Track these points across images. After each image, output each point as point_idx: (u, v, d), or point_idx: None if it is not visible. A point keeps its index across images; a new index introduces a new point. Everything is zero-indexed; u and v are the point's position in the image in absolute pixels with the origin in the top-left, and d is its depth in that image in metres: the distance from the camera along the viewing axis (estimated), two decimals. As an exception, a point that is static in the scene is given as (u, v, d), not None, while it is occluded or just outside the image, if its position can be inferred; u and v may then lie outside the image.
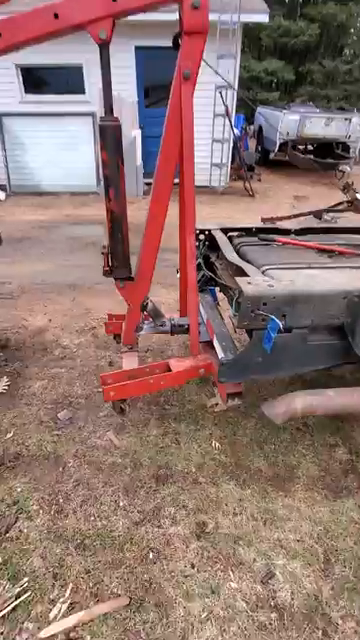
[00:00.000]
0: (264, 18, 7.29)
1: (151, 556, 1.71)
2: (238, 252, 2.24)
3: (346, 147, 10.85)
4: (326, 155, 10.97)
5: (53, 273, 4.81)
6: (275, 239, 2.26)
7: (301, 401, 1.69)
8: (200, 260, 2.50)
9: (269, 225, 2.67)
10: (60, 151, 8.52)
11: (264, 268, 1.89)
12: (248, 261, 2.03)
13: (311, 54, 22.68)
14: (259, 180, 10.19)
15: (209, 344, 2.22)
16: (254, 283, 1.60)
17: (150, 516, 1.88)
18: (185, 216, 1.89)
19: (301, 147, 11.40)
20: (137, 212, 6.30)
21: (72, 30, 1.67)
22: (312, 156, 11.13)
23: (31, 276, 4.68)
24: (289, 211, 7.77)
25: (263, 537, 1.80)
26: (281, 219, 2.69)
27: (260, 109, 13.53)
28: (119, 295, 2.19)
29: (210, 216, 6.66)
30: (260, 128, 12.81)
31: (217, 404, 2.00)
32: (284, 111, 10.68)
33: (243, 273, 1.87)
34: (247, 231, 2.61)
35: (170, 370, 2.10)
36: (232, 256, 2.04)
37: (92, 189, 8.69)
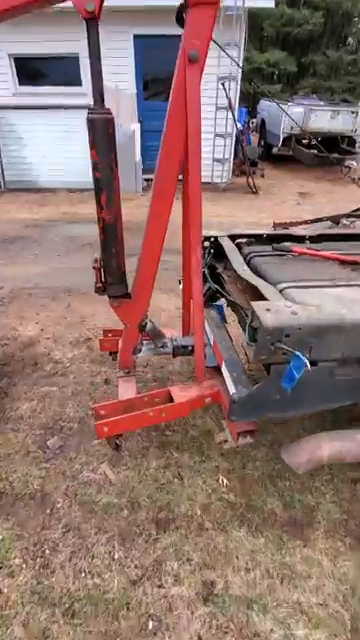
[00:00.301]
0: (270, 3, 6.92)
1: (151, 626, 1.47)
2: (249, 264, 1.97)
3: (352, 141, 10.51)
4: (331, 150, 10.63)
5: (47, 276, 4.54)
6: (291, 249, 1.99)
7: (328, 447, 1.44)
8: (205, 270, 2.24)
9: (281, 231, 2.40)
10: (56, 145, 8.19)
11: (281, 286, 1.62)
12: (262, 276, 1.76)
13: (314, 44, 22.16)
14: (262, 176, 9.86)
15: (216, 368, 1.96)
16: (274, 310, 1.33)
17: (150, 572, 1.64)
18: (190, 223, 1.62)
19: (305, 142, 11.04)
20: (136, 210, 5.99)
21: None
22: (316, 151, 10.78)
23: (24, 279, 4.41)
24: (293, 208, 7.48)
25: (280, 600, 1.55)
26: (295, 224, 2.42)
27: (263, 102, 13.15)
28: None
29: (212, 214, 6.36)
30: (263, 122, 12.45)
31: (226, 441, 1.74)
32: (288, 104, 10.33)
33: (256, 292, 1.60)
34: (257, 238, 2.34)
35: (172, 400, 1.84)
36: (243, 270, 1.78)
37: (90, 185, 8.35)
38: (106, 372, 2.87)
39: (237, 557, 1.69)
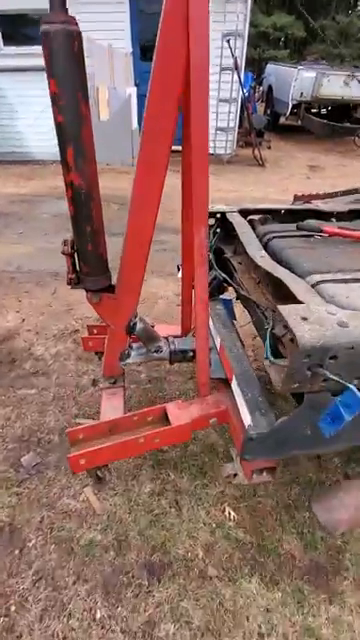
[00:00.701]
0: None
1: None
2: (266, 247, 1.54)
3: (364, 110, 9.73)
4: (342, 120, 9.86)
5: (32, 258, 4.09)
6: (321, 228, 1.56)
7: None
8: (210, 255, 1.82)
9: (303, 206, 1.95)
10: (46, 113, 7.48)
11: (314, 279, 1.21)
12: (285, 264, 1.34)
13: (324, 9, 20.60)
14: (269, 147, 9.17)
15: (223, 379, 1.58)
16: (313, 319, 0.92)
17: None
18: (194, 194, 1.19)
19: (314, 111, 10.23)
20: (131, 184, 5.49)
21: None
22: (326, 120, 10.00)
23: (5, 261, 3.97)
24: (303, 183, 6.90)
25: None
26: (320, 197, 1.97)
27: (270, 66, 12.17)
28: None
29: (214, 188, 5.79)
30: (270, 88, 11.53)
31: (235, 475, 1.38)
32: (299, 67, 9.48)
33: (278, 285, 1.19)
34: (274, 214, 1.90)
35: (168, 421, 1.46)
36: (262, 257, 1.36)
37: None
38: (94, 371, 2.50)
39: (248, 618, 1.36)
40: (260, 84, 13.01)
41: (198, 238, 1.24)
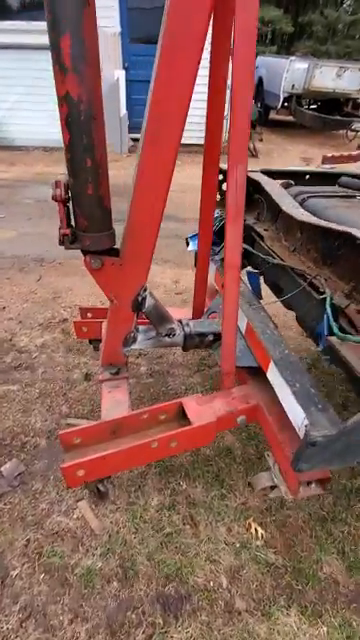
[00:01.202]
0: None
1: None
2: (302, 208, 1.27)
3: (356, 105, 9.65)
4: (333, 114, 9.76)
5: (15, 243, 3.72)
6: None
7: None
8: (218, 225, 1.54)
9: (332, 169, 1.70)
10: (34, 95, 6.99)
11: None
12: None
13: (312, 3, 20.63)
14: (260, 140, 8.96)
15: (249, 368, 1.31)
16: None
17: None
18: (234, 116, 0.91)
19: (304, 104, 10.09)
20: (122, 172, 5.15)
21: None
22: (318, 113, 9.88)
23: (-16, 247, 3.59)
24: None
25: None
26: (351, 159, 1.71)
27: (261, 58, 11.97)
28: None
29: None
30: (260, 81, 11.34)
31: (274, 487, 1.10)
32: (291, 58, 9.31)
33: (325, 252, 0.93)
34: (297, 178, 1.64)
35: (185, 419, 1.18)
36: (303, 214, 1.09)
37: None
38: (87, 364, 2.18)
39: (291, 665, 1.09)
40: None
41: (233, 181, 0.96)
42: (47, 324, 2.53)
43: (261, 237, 1.41)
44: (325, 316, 0.88)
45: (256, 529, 1.39)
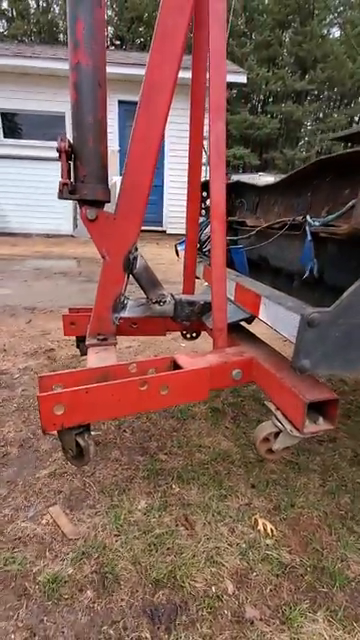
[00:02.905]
0: (242, 78, 7.72)
1: None
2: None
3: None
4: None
5: (9, 297, 3.81)
6: None
7: None
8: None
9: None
10: (37, 195, 8.09)
11: None
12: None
13: (272, 145, 25.75)
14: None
15: (244, 331, 1.27)
16: None
17: None
18: (211, 80, 1.09)
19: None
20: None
21: None
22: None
23: (-22, 299, 3.66)
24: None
25: None
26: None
27: (235, 176, 14.49)
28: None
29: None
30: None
31: (278, 434, 0.97)
32: (260, 173, 11.23)
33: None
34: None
35: (179, 368, 1.09)
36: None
37: (68, 232, 8.18)
38: (71, 385, 2.04)
39: None
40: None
41: (215, 132, 1.10)
42: (33, 352, 2.44)
43: (244, 224, 1.53)
44: (306, 239, 0.92)
45: (264, 525, 1.15)
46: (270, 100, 25.32)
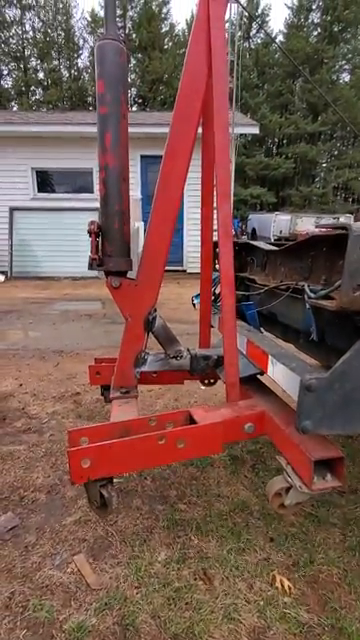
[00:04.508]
0: (255, 130, 8.26)
1: None
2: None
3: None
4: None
5: (38, 340, 4.05)
6: None
7: None
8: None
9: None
10: (66, 241, 8.70)
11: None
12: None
13: (288, 183, 26.52)
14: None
15: (256, 383, 1.35)
16: None
17: None
18: (217, 172, 1.27)
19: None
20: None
21: None
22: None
23: (11, 343, 3.92)
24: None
25: None
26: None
27: (252, 215, 14.97)
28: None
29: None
30: (254, 230, 13.89)
31: (289, 488, 1.02)
32: (276, 213, 11.62)
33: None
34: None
35: (194, 422, 1.18)
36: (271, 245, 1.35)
37: (93, 274, 8.64)
38: (95, 430, 2.15)
39: None
40: (246, 225, 15.71)
41: (222, 213, 1.26)
42: (60, 397, 2.59)
43: (254, 281, 1.66)
44: (307, 305, 1.03)
45: (282, 582, 1.16)
46: (284, 142, 26.39)
